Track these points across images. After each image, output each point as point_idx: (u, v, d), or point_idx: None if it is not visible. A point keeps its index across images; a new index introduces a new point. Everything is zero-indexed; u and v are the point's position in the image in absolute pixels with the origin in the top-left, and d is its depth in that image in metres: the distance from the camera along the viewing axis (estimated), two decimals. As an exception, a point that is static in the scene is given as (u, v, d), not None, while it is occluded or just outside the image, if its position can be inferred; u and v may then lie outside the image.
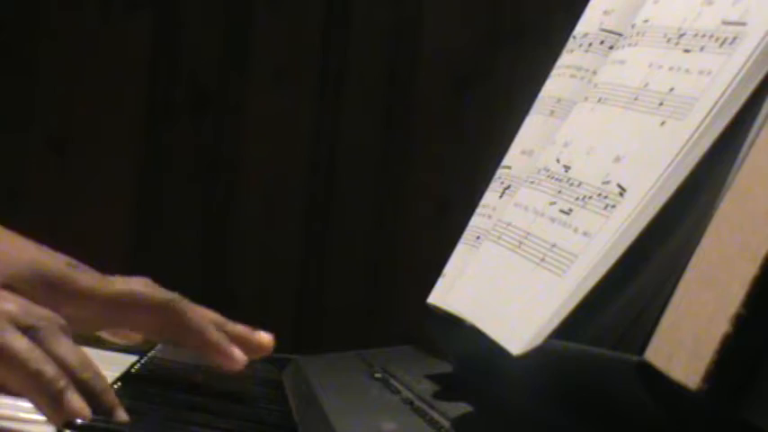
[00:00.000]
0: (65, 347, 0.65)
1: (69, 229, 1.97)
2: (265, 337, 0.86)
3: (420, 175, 1.99)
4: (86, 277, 0.76)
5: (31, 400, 0.63)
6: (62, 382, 0.62)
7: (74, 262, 0.77)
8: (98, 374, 0.66)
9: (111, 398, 0.65)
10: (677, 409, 0.50)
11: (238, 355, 0.82)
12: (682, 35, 0.63)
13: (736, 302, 0.47)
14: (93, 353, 0.83)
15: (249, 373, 0.92)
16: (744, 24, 0.59)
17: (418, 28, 2.00)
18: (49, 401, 0.62)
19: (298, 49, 2.01)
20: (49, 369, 0.62)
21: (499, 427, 0.69)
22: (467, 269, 0.74)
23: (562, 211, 0.64)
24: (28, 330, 0.64)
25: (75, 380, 0.64)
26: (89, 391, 0.64)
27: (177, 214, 2.02)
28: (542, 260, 0.63)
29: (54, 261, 0.75)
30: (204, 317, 0.82)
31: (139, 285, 0.80)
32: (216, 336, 0.81)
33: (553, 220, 0.64)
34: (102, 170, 2.02)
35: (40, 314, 0.66)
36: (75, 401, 0.62)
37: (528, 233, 0.66)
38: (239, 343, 0.82)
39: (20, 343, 0.63)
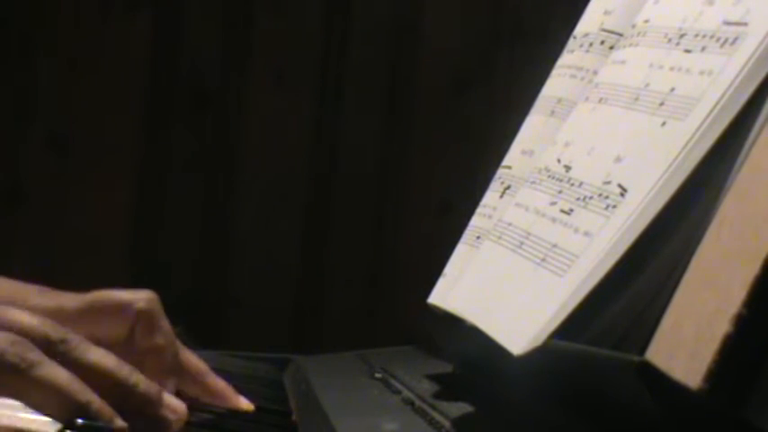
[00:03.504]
0: (98, 353, 0.64)
1: (69, 229, 1.97)
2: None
3: (420, 175, 1.99)
4: (45, 296, 0.75)
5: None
6: (97, 402, 0.61)
7: (38, 288, 0.76)
8: (136, 374, 0.64)
9: (157, 397, 0.64)
10: (678, 409, 0.50)
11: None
12: (682, 35, 0.63)
13: (736, 302, 0.47)
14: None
15: (249, 373, 0.92)
16: (745, 25, 0.59)
17: (418, 28, 2.00)
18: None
19: (298, 49, 2.02)
20: (88, 394, 0.61)
21: (499, 427, 0.69)
22: (467, 269, 0.74)
23: (563, 211, 0.64)
24: (59, 344, 0.63)
25: (118, 383, 0.63)
26: (132, 394, 0.63)
27: (177, 214, 2.03)
28: (543, 260, 0.63)
29: (14, 287, 0.75)
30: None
31: (107, 291, 0.78)
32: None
33: (554, 220, 0.64)
34: (102, 170, 2.02)
35: (61, 328, 0.64)
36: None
37: (529, 233, 0.66)
38: None
39: (61, 373, 0.61)
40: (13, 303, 0.70)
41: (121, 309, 0.76)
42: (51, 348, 0.63)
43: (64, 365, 0.62)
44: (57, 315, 0.72)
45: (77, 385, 0.61)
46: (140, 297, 0.77)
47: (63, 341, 0.63)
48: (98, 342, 0.66)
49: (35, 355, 0.61)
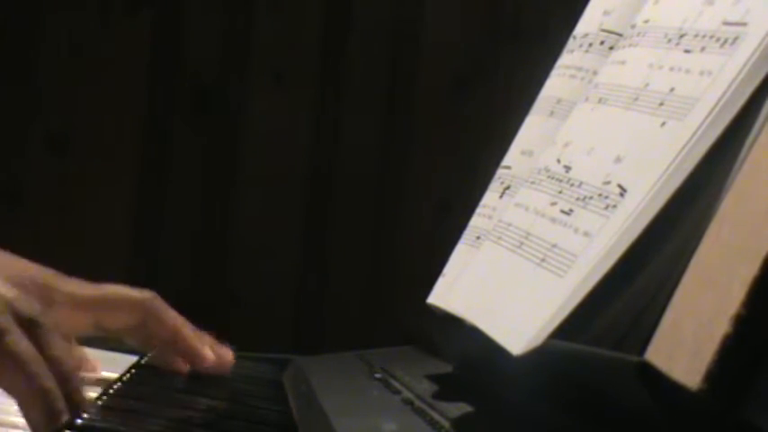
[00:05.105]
0: (61, 348, 0.64)
1: (70, 230, 1.97)
2: (226, 355, 0.89)
3: (420, 175, 1.99)
4: (69, 283, 0.79)
5: (20, 403, 0.62)
6: (55, 392, 0.61)
7: (59, 274, 0.79)
8: (79, 377, 0.65)
9: (81, 397, 0.65)
10: (678, 409, 0.50)
11: (208, 354, 0.86)
12: (682, 35, 0.63)
13: (736, 302, 0.47)
14: (94, 353, 0.84)
15: (249, 373, 0.92)
16: (744, 25, 0.59)
17: (418, 28, 2.00)
18: (42, 410, 0.61)
19: (298, 50, 2.01)
20: (48, 381, 0.61)
21: (499, 427, 0.69)
22: (467, 269, 0.74)
23: (563, 211, 0.64)
24: (29, 322, 0.63)
25: (64, 382, 0.63)
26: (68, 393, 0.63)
27: (177, 215, 2.02)
28: (543, 260, 0.63)
29: (41, 270, 0.77)
30: (177, 317, 0.87)
31: (120, 288, 0.85)
32: (190, 333, 0.86)
33: (554, 220, 0.64)
34: (102, 171, 2.02)
35: (38, 307, 0.65)
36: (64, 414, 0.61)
37: (528, 233, 0.66)
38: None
39: (24, 345, 0.62)
40: (49, 290, 0.72)
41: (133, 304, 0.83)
42: (22, 324, 0.62)
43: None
44: (91, 303, 0.78)
45: (40, 368, 0.61)
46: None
47: (34, 323, 0.63)
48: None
49: (5, 320, 0.60)
